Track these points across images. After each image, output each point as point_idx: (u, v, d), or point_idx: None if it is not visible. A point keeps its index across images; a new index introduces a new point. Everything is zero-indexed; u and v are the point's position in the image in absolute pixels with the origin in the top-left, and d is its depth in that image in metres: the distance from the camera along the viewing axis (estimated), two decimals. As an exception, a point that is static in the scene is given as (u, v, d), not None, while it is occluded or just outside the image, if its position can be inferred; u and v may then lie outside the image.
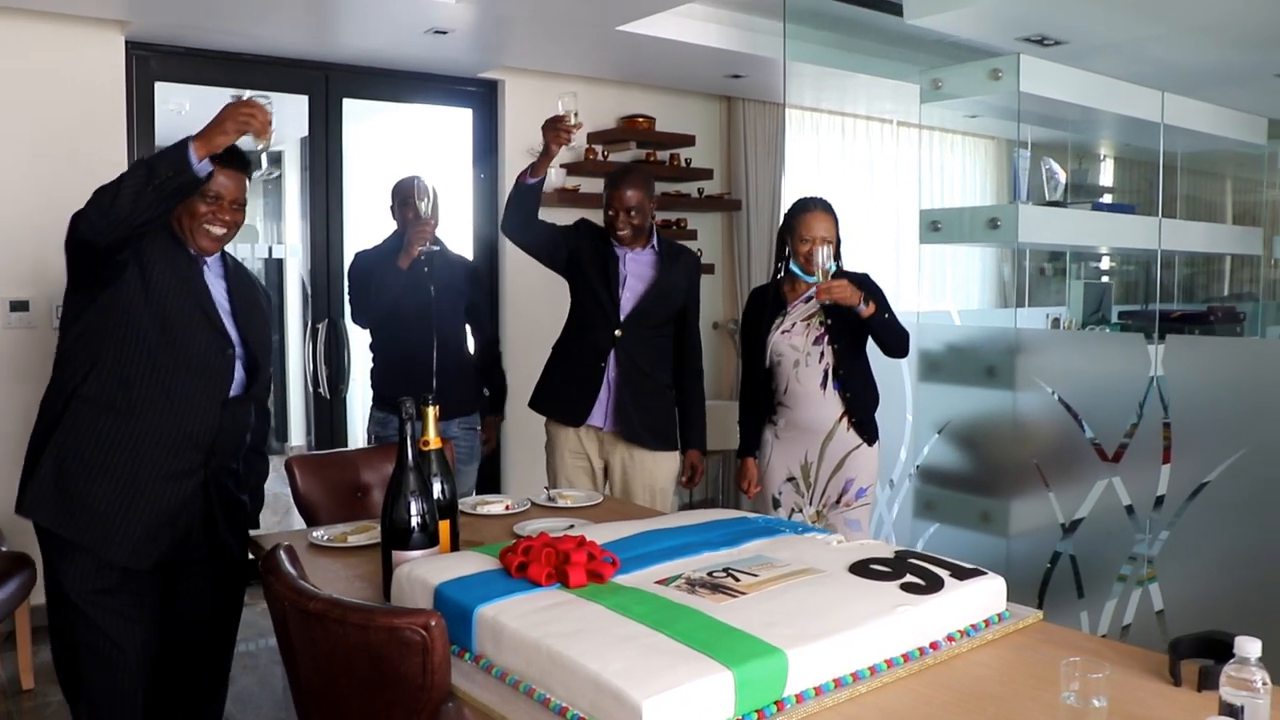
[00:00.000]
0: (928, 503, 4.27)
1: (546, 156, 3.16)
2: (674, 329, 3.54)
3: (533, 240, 3.41)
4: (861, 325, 3.26)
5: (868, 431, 3.35)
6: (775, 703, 1.50)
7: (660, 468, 3.51)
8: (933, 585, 1.82)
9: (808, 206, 3.35)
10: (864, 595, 1.76)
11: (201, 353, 2.45)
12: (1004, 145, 6.80)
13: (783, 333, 3.34)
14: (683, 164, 5.75)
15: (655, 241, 3.52)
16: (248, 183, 2.55)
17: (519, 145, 5.37)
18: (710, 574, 1.83)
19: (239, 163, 2.50)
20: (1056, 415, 3.74)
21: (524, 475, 5.35)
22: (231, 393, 2.51)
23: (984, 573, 1.93)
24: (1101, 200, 6.00)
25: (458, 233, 5.25)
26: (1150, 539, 3.52)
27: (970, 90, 3.98)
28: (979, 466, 4.05)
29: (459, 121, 5.53)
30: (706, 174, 5.87)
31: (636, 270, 3.47)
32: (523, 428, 5.38)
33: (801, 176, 6.12)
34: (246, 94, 2.32)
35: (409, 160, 4.83)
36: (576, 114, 3.09)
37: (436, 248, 3.52)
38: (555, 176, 5.30)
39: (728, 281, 6.19)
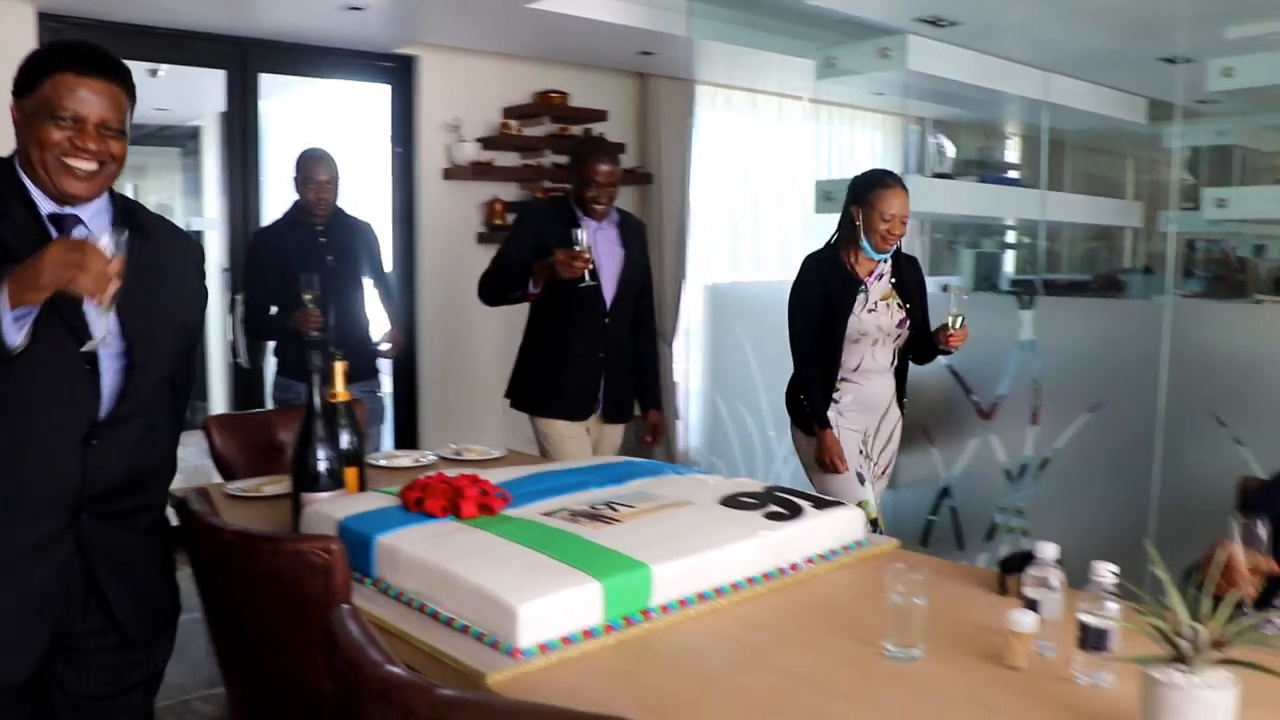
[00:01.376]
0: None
1: (548, 274, 3.16)
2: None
3: None
4: (923, 310, 3.35)
5: (902, 405, 3.44)
6: (642, 611, 1.69)
7: (618, 433, 3.61)
8: (794, 513, 2.03)
9: (887, 182, 3.18)
10: (729, 521, 1.96)
11: (49, 380, 1.69)
12: (908, 121, 7.05)
13: (869, 311, 3.25)
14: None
15: (614, 213, 3.47)
16: (127, 101, 1.77)
17: (435, 120, 5.48)
18: (592, 506, 2.01)
19: (108, 68, 1.73)
20: (941, 376, 3.98)
21: (438, 437, 5.45)
22: (101, 414, 1.74)
23: (842, 504, 2.14)
24: (999, 175, 6.29)
25: (376, 207, 5.34)
26: (1022, 493, 3.78)
27: (862, 68, 4.20)
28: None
29: (377, 97, 5.61)
30: (619, 148, 6.01)
31: (607, 249, 3.41)
32: (438, 390, 5.50)
33: (710, 151, 6.30)
34: (102, 239, 1.58)
35: (327, 135, 4.90)
36: (589, 250, 3.13)
37: (321, 335, 3.64)
38: (471, 150, 5.45)
39: (642, 254, 6.35)
